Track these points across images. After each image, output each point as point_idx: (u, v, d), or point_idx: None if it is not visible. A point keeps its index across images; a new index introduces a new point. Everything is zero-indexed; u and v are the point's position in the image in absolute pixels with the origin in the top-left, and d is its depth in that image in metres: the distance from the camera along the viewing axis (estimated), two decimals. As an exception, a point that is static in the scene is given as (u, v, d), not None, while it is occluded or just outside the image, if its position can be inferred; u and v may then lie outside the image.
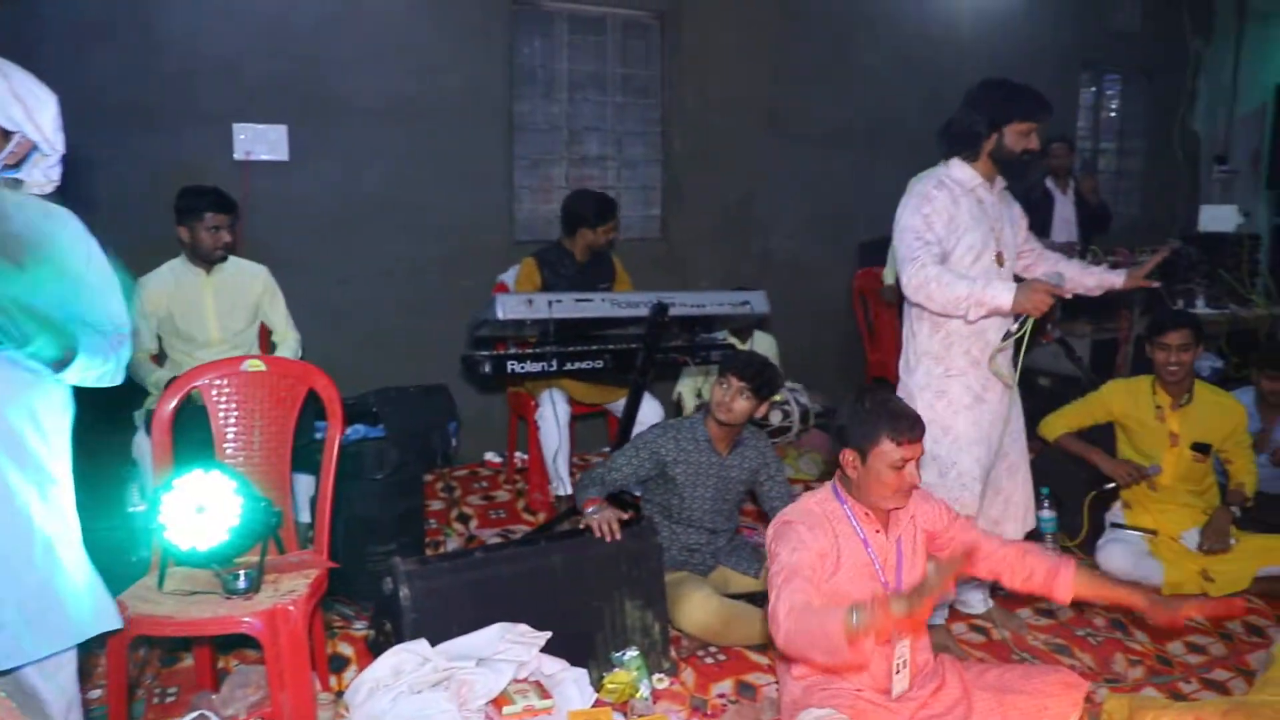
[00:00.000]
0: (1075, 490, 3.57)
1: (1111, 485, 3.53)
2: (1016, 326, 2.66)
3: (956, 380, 2.85)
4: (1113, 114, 7.11)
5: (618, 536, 2.73)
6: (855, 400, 2.22)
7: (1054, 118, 2.91)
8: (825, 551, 2.15)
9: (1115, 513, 3.58)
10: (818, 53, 5.41)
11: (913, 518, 2.30)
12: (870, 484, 2.17)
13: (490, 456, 4.89)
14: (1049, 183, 5.42)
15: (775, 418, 4.79)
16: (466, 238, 4.65)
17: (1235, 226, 5.70)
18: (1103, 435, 3.60)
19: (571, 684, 2.47)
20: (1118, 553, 3.43)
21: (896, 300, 4.97)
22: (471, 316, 3.38)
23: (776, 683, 2.70)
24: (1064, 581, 2.22)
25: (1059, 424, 3.47)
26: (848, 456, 2.19)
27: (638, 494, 3.26)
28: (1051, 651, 2.97)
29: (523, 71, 4.85)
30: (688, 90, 5.13)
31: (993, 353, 2.80)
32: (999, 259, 2.85)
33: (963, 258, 2.80)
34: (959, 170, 2.86)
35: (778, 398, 4.59)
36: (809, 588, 2.01)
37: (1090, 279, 2.99)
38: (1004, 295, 2.58)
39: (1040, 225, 5.08)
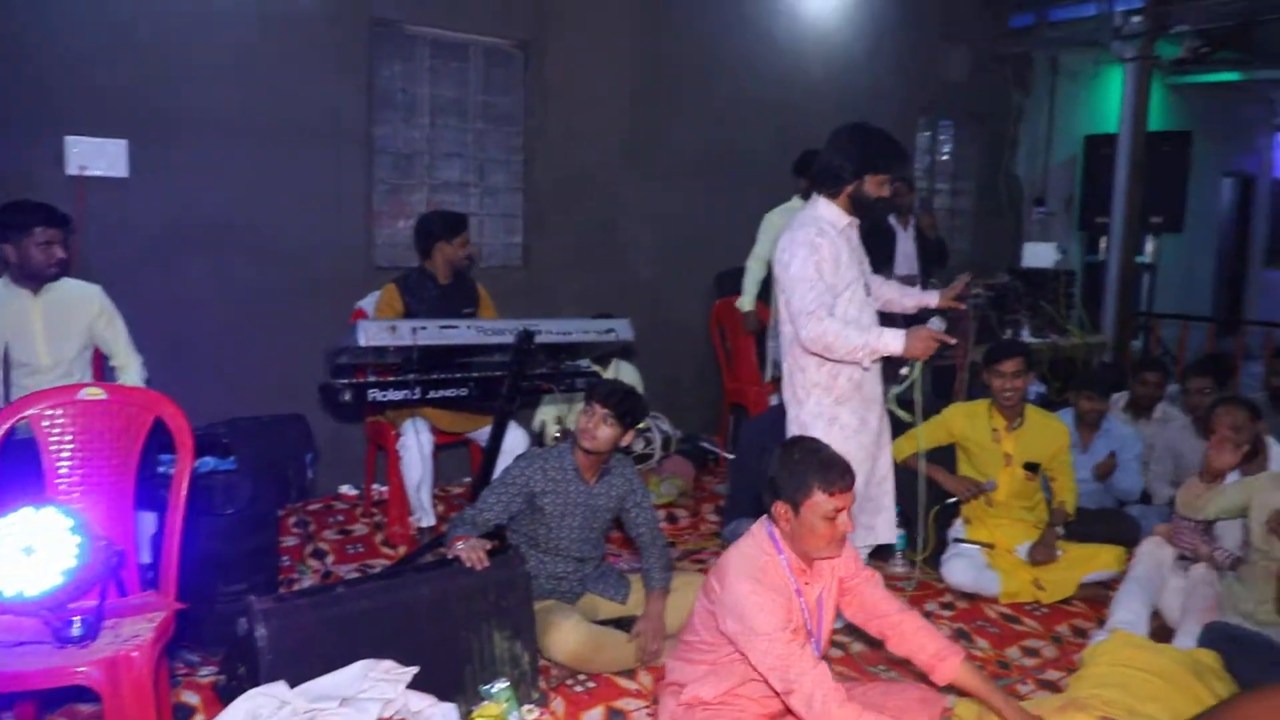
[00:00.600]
0: (912, 508, 3.77)
1: (953, 500, 3.78)
2: (907, 370, 2.87)
3: (845, 407, 3.05)
4: (945, 157, 7.64)
5: (486, 564, 2.70)
6: (784, 452, 2.27)
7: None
8: (787, 608, 2.20)
9: (957, 529, 3.83)
10: (677, 87, 5.57)
11: (833, 566, 2.37)
12: (804, 535, 2.22)
13: (345, 489, 4.72)
14: (891, 219, 5.75)
15: (638, 445, 4.86)
16: (322, 263, 4.50)
17: (1054, 262, 6.22)
18: (946, 457, 3.85)
19: (440, 719, 2.41)
20: (960, 566, 3.67)
21: (757, 329, 5.16)
22: (330, 344, 3.27)
23: (648, 708, 2.72)
24: (948, 669, 2.32)
25: (906, 446, 3.68)
26: (780, 509, 2.24)
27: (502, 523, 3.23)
28: (899, 663, 3.11)
29: (382, 95, 4.76)
30: (550, 119, 5.17)
31: (891, 394, 3.03)
32: (866, 289, 3.09)
33: (842, 293, 2.97)
34: (827, 210, 3.01)
35: (641, 425, 4.66)
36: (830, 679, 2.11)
37: (909, 300, 3.35)
38: (895, 343, 2.80)
39: (884, 259, 5.39)
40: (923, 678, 2.45)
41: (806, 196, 4.59)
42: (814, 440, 2.34)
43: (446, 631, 2.61)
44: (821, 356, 2.95)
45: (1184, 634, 3.04)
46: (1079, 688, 2.49)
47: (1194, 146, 7.41)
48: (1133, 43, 6.49)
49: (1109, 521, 3.97)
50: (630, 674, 2.92)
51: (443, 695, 2.48)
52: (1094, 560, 3.64)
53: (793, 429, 3.07)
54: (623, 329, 3.50)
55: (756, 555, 2.26)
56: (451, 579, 2.67)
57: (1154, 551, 3.40)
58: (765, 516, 2.33)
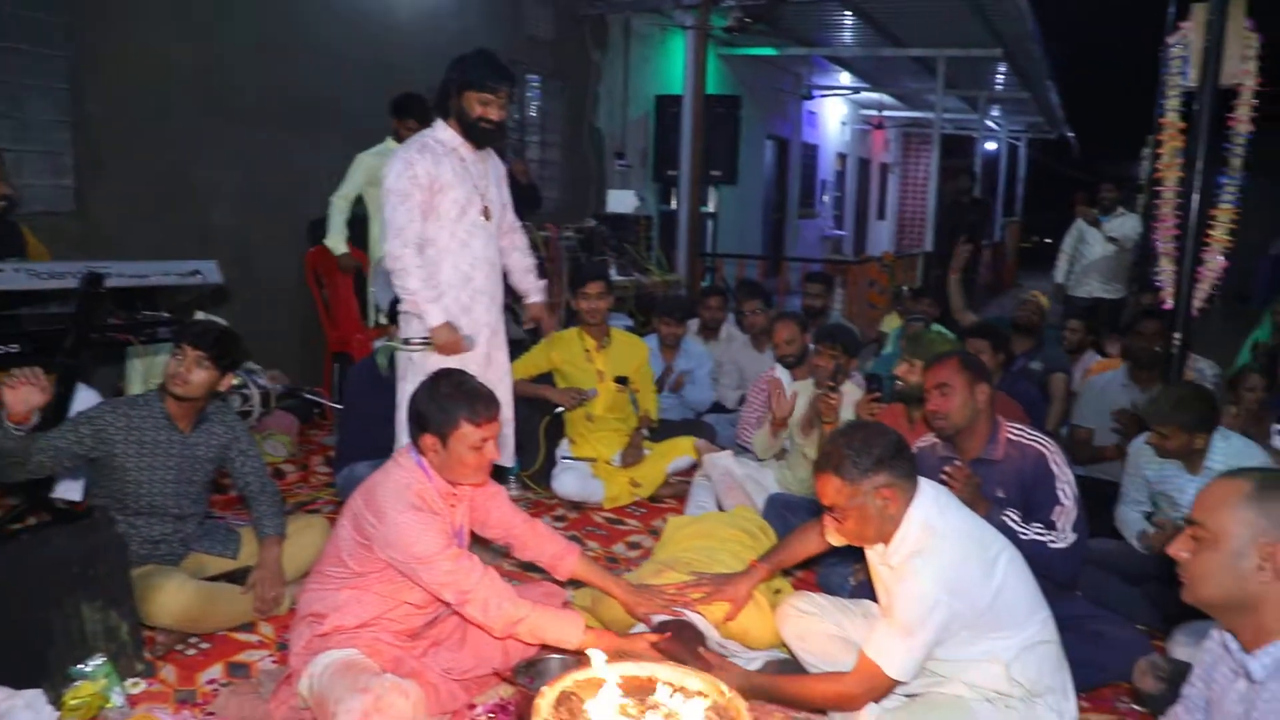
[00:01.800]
0: (532, 430, 4.01)
1: (559, 410, 4.10)
2: (419, 340, 3.06)
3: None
4: (534, 112, 7.97)
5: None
6: (430, 386, 2.29)
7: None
8: (444, 529, 2.27)
9: (564, 448, 4.16)
10: (257, 23, 5.17)
11: (470, 488, 2.45)
12: (453, 465, 2.28)
13: None
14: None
15: (235, 403, 4.53)
16: None
17: (634, 209, 6.83)
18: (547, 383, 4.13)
19: (24, 710, 2.12)
20: (567, 479, 4.01)
21: (353, 268, 5.02)
22: None
23: (273, 655, 2.63)
24: (566, 566, 2.60)
25: (516, 372, 3.87)
26: (428, 441, 2.26)
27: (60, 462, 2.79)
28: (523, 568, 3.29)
29: None
30: (103, 43, 4.53)
31: (386, 347, 3.21)
32: (485, 213, 3.17)
33: (448, 211, 3.05)
34: (443, 131, 3.10)
35: (235, 380, 4.36)
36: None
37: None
38: (435, 318, 3.03)
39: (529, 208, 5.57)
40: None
41: (399, 139, 4.58)
42: (459, 372, 2.38)
43: (21, 612, 2.29)
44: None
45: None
46: (665, 554, 2.89)
47: (743, 110, 8.51)
48: (691, 12, 7.27)
49: (689, 429, 4.53)
50: (250, 627, 2.78)
51: (24, 683, 2.18)
52: (674, 450, 4.17)
53: (401, 356, 3.16)
54: (210, 271, 3.25)
55: (410, 484, 2.29)
56: (23, 553, 2.34)
57: (716, 459, 3.98)
58: (408, 447, 2.37)
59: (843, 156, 15.73)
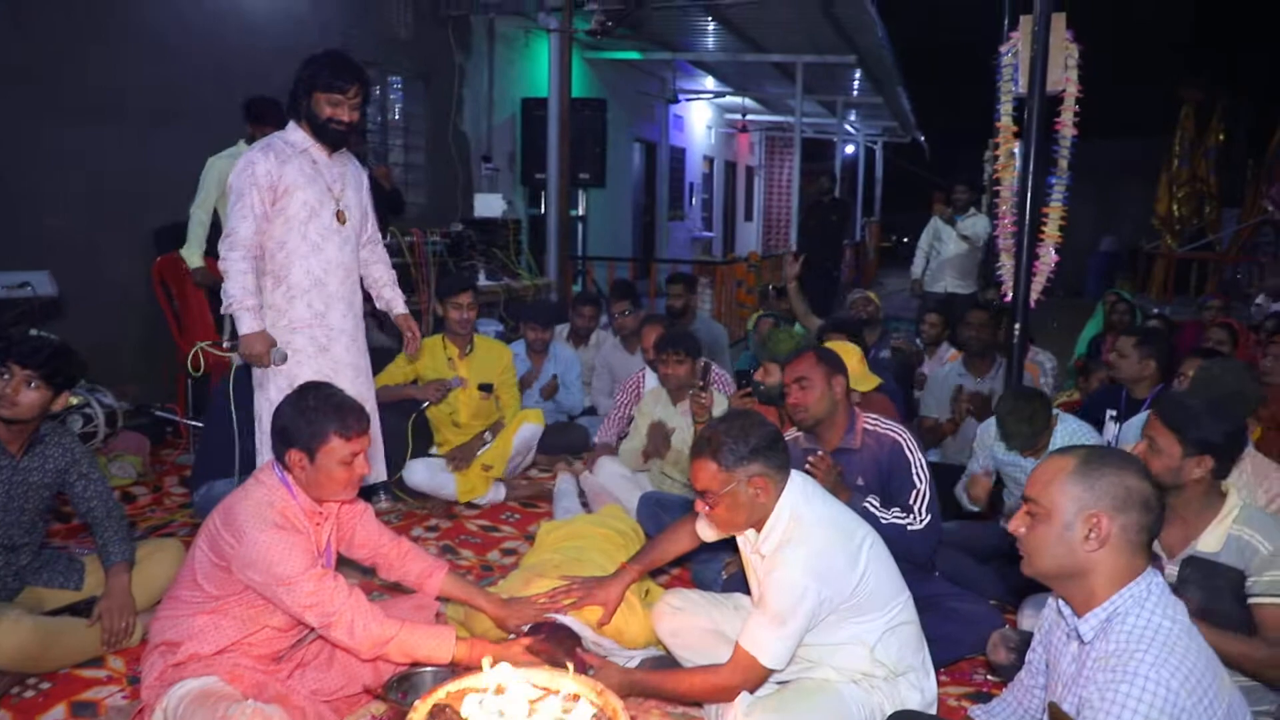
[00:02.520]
0: (400, 433, 3.91)
1: (425, 406, 4.04)
2: (228, 344, 3.02)
3: (301, 332, 3.06)
4: (397, 114, 7.78)
5: None
6: (296, 399, 2.20)
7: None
8: (309, 548, 2.17)
9: (433, 451, 4.10)
10: (91, 17, 4.85)
11: (337, 506, 2.37)
12: (322, 482, 2.19)
13: None
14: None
15: (75, 424, 4.25)
16: None
17: (501, 212, 6.76)
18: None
19: None
20: (418, 469, 3.97)
21: (209, 284, 4.78)
22: None
23: (123, 690, 2.47)
24: (433, 585, 2.53)
25: (379, 382, 3.77)
26: (294, 457, 2.17)
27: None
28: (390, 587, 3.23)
29: None
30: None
31: (198, 346, 3.31)
32: (340, 217, 3.10)
33: (297, 213, 2.99)
34: (293, 133, 3.05)
35: (74, 400, 4.10)
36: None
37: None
38: (246, 326, 2.95)
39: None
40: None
41: (251, 142, 4.40)
42: (327, 386, 2.31)
43: None
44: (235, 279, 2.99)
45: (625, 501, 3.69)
46: (533, 559, 2.88)
47: (610, 114, 8.56)
48: (555, 15, 7.25)
49: (562, 433, 4.53)
50: (98, 662, 2.60)
51: None
52: (518, 422, 4.11)
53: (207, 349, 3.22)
54: (40, 282, 3.07)
55: (272, 502, 2.19)
56: None
57: (604, 464, 4.01)
58: (271, 463, 2.27)
59: (710, 160, 16.03)
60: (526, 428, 4.10)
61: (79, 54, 4.80)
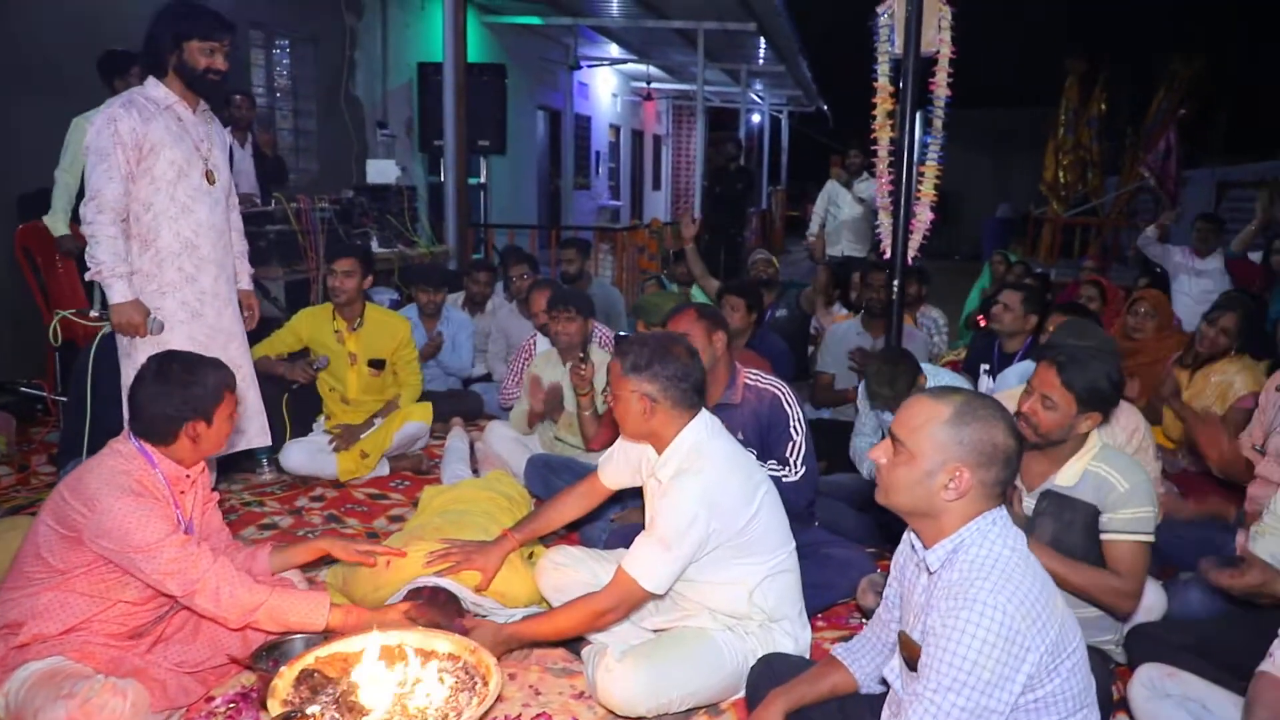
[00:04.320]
0: (275, 402, 3.80)
1: (297, 385, 3.92)
2: (99, 311, 2.89)
3: (170, 296, 2.96)
4: (285, 79, 7.50)
5: None
6: (162, 375, 2.15)
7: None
8: (168, 515, 2.12)
9: (320, 422, 3.98)
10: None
11: (203, 477, 2.34)
12: (211, 441, 2.21)
13: None
14: (229, 136, 5.50)
15: (-68, 402, 4.01)
16: None
17: (395, 179, 6.59)
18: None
19: None
20: (295, 452, 3.82)
21: (76, 252, 4.54)
22: None
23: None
24: (260, 565, 2.42)
25: (259, 351, 3.65)
26: (192, 428, 2.15)
27: None
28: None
29: None
30: None
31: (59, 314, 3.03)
32: (209, 177, 2.99)
33: (165, 173, 2.87)
34: (154, 89, 2.91)
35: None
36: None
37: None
38: (119, 295, 2.84)
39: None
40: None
41: (117, 98, 4.18)
42: (180, 353, 2.30)
43: None
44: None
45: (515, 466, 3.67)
46: (415, 523, 2.85)
47: (509, 80, 8.39)
48: (447, -25, 7.05)
49: (456, 400, 4.47)
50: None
51: None
52: (404, 417, 4.00)
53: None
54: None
55: (128, 471, 2.12)
56: None
57: (494, 428, 3.99)
58: (126, 434, 2.20)
59: (616, 128, 15.95)
60: (411, 425, 3.99)
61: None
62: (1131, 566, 2.21)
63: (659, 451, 2.29)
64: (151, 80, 2.93)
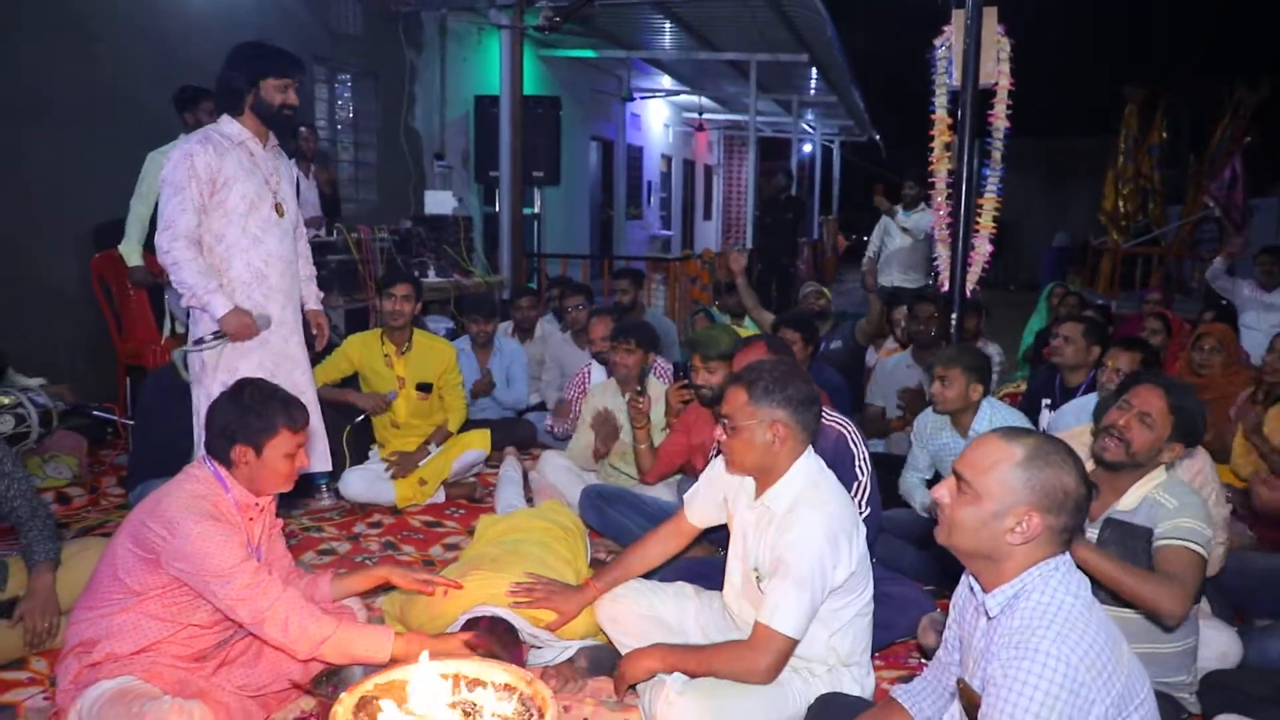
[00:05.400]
0: (336, 432, 3.87)
1: (362, 417, 3.99)
2: (211, 336, 2.96)
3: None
4: (348, 112, 7.70)
5: None
6: (236, 396, 2.20)
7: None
8: (243, 542, 2.16)
9: (374, 451, 4.04)
10: (19, 11, 4.74)
11: (272, 508, 2.38)
12: (265, 475, 2.20)
13: None
14: (295, 167, 5.67)
15: (6, 424, 4.15)
16: None
17: (452, 210, 6.71)
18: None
19: None
20: (354, 480, 3.88)
21: (148, 283, 4.70)
22: None
23: (45, 692, 2.42)
24: (321, 593, 2.46)
25: (317, 377, 3.72)
26: (240, 453, 2.18)
27: None
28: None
29: None
30: None
31: (181, 352, 3.20)
32: (278, 209, 3.10)
33: (237, 206, 2.98)
34: (228, 125, 3.04)
35: (5, 400, 4.01)
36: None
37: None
38: (220, 307, 2.93)
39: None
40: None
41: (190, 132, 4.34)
42: (264, 382, 2.32)
43: None
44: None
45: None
46: (471, 553, 2.87)
47: (564, 111, 8.51)
48: (505, 11, 7.22)
49: (510, 428, 4.51)
50: (20, 664, 2.55)
51: None
52: (461, 444, 4.05)
53: (194, 359, 3.07)
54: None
55: (205, 495, 2.17)
56: None
57: (549, 459, 3.99)
58: (203, 458, 2.26)
59: (668, 158, 16.06)
60: (470, 453, 4.04)
61: (10, 51, 4.69)
62: (1181, 568, 2.12)
63: (766, 484, 2.22)
64: (226, 117, 3.06)
